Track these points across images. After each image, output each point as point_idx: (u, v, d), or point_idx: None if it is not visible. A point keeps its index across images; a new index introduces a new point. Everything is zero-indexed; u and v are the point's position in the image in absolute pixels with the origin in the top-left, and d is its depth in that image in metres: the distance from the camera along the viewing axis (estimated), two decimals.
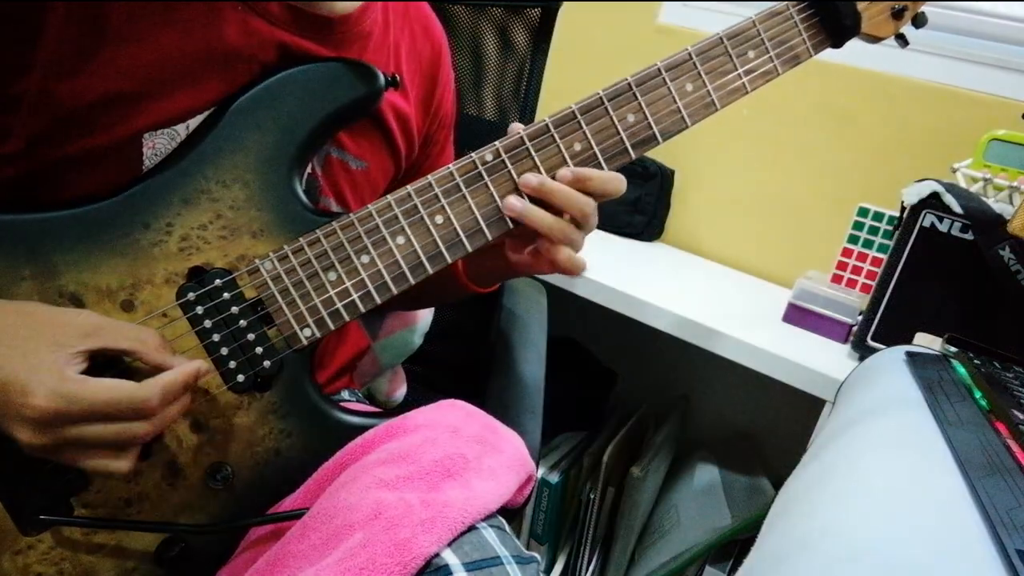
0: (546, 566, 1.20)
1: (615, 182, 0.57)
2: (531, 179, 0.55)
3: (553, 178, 0.56)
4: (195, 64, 0.51)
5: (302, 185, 0.56)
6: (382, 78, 0.55)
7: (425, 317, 0.90)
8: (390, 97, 0.63)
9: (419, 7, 0.68)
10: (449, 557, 0.44)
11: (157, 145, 0.52)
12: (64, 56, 0.47)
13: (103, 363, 0.47)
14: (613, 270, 1.08)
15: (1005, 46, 1.08)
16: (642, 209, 1.30)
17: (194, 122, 0.52)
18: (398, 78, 0.57)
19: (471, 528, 0.47)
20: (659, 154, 1.30)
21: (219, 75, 0.52)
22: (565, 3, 0.86)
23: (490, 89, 0.89)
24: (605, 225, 1.33)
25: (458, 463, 0.50)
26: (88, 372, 0.45)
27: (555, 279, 1.06)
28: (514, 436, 0.56)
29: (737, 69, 0.58)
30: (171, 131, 0.52)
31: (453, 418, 0.54)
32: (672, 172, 1.31)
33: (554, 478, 1.14)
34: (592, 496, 1.14)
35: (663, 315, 0.97)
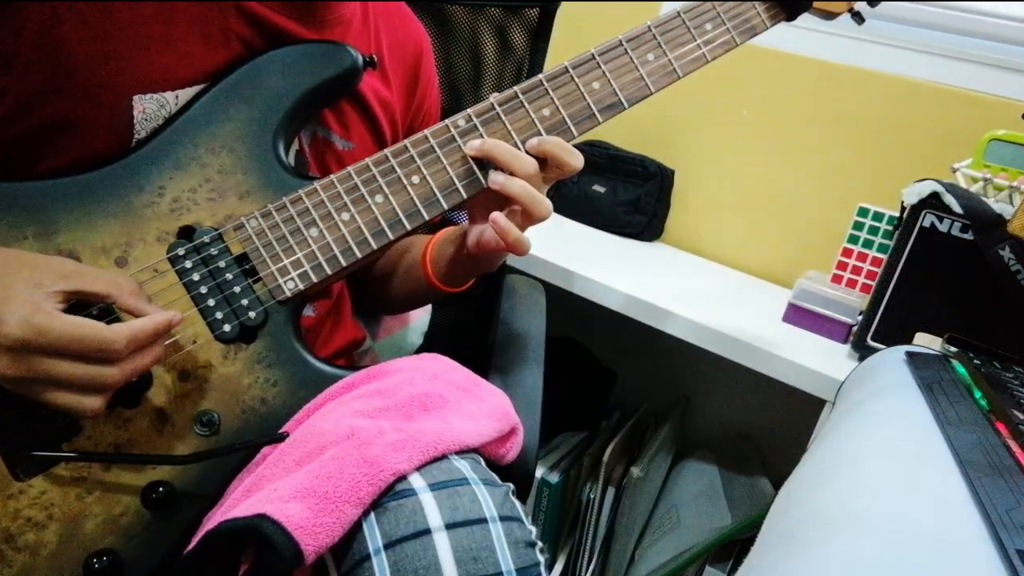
0: (546, 566, 1.20)
1: (574, 157, 0.59)
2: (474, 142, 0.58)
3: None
4: (174, 30, 0.54)
5: (288, 156, 0.60)
6: (360, 58, 0.59)
7: (423, 316, 0.90)
8: (373, 84, 0.66)
9: (400, 7, 0.72)
10: (415, 481, 0.45)
11: (147, 110, 0.54)
12: (54, 20, 0.50)
13: (79, 307, 0.48)
14: (613, 270, 1.08)
15: (1005, 46, 1.08)
16: (642, 209, 1.30)
17: (184, 94, 0.56)
18: (375, 59, 0.61)
19: (443, 457, 0.47)
20: (659, 154, 1.30)
21: (199, 43, 0.55)
22: (564, 3, 0.86)
23: (489, 89, 0.89)
24: (605, 225, 1.33)
25: (436, 401, 0.51)
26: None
27: (555, 279, 1.06)
28: (497, 391, 0.57)
29: (696, 40, 0.62)
30: (160, 97, 0.55)
31: (435, 366, 0.56)
32: (672, 172, 1.31)
33: (554, 478, 1.14)
34: (592, 496, 1.14)
35: (663, 315, 0.97)
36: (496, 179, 0.58)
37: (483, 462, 0.51)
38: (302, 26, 0.59)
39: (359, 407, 0.49)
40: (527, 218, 0.59)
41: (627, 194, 1.30)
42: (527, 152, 0.59)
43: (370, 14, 0.67)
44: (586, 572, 1.15)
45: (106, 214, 0.53)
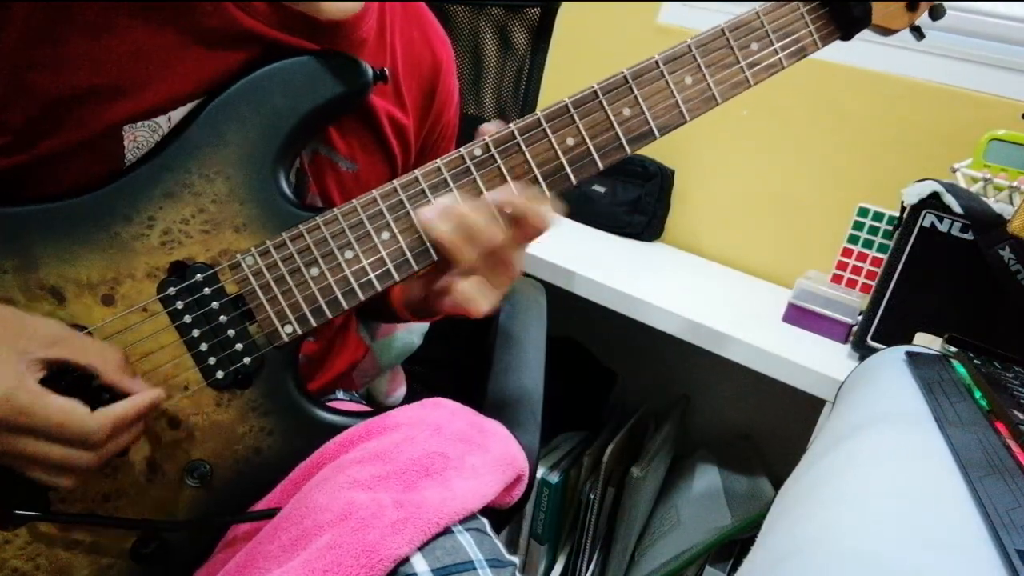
0: (546, 566, 1.20)
1: (541, 216, 0.52)
2: (436, 208, 0.52)
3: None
4: (173, 57, 0.50)
5: (289, 180, 0.55)
6: (370, 72, 0.54)
7: None
8: (385, 105, 0.62)
9: (420, 14, 0.67)
10: (418, 564, 0.43)
11: (139, 138, 0.51)
12: (34, 47, 0.47)
13: (61, 371, 0.46)
14: (613, 270, 1.08)
15: (1005, 46, 1.08)
16: (642, 209, 1.30)
17: (176, 115, 0.51)
18: (386, 72, 0.56)
19: (447, 531, 0.45)
20: (659, 154, 1.30)
21: (199, 69, 0.51)
22: (565, 3, 0.86)
23: (489, 89, 0.89)
24: (605, 225, 1.33)
25: (437, 462, 0.48)
26: (47, 380, 0.44)
27: (555, 279, 1.06)
28: (504, 435, 0.55)
29: (740, 62, 0.56)
30: (152, 123, 0.51)
31: (436, 416, 0.53)
32: (672, 172, 1.31)
33: (554, 478, 1.14)
34: (592, 496, 1.14)
35: (663, 315, 0.97)
36: (425, 214, 0.52)
37: (487, 526, 0.49)
38: (311, 46, 0.54)
39: (356, 475, 0.47)
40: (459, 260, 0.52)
41: (627, 194, 1.30)
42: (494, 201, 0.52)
43: (386, 27, 0.61)
44: (586, 572, 1.15)
45: (92, 246, 0.50)
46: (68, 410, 0.43)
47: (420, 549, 0.44)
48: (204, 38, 0.51)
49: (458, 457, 0.49)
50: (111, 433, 0.45)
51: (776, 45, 0.57)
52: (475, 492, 0.48)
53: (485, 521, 0.50)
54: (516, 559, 0.49)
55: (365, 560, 0.42)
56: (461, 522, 0.47)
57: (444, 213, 0.52)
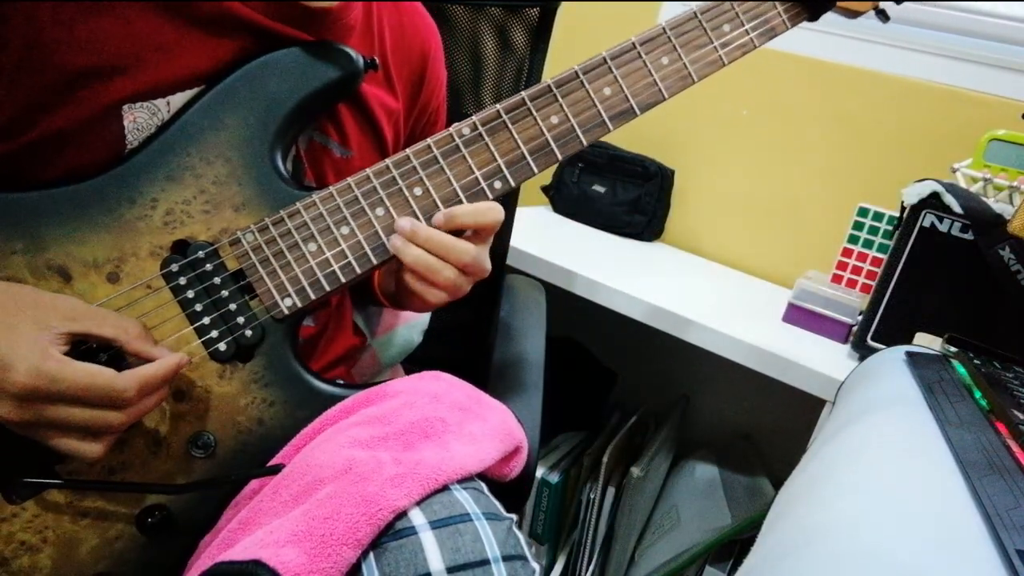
0: (546, 566, 1.20)
1: (490, 213, 0.56)
2: (405, 225, 0.55)
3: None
4: (171, 42, 0.52)
5: (286, 163, 0.58)
6: (361, 60, 0.57)
7: (424, 314, 0.90)
8: (376, 91, 0.64)
9: (408, 2, 0.69)
10: (416, 517, 0.44)
11: (138, 119, 0.53)
12: (38, 31, 0.49)
13: (86, 349, 0.48)
14: (613, 270, 1.08)
15: (1005, 46, 1.08)
16: (642, 209, 1.30)
17: (175, 100, 0.54)
18: (376, 60, 0.59)
19: (444, 488, 0.46)
20: (659, 154, 1.30)
21: (197, 56, 0.53)
22: (564, 3, 0.86)
23: (489, 89, 0.89)
24: (605, 225, 1.33)
25: (436, 426, 0.49)
26: (69, 354, 0.46)
27: (555, 279, 1.06)
28: (501, 408, 0.56)
29: (713, 43, 0.59)
30: (151, 105, 0.53)
31: (435, 386, 0.54)
32: (672, 172, 1.31)
33: (554, 478, 1.14)
34: (592, 496, 1.13)
35: (663, 315, 0.97)
36: (395, 243, 0.55)
37: (485, 488, 0.50)
38: (302, 34, 0.57)
39: (357, 435, 0.48)
40: (426, 282, 0.57)
41: (627, 194, 1.30)
42: (438, 225, 0.56)
43: (374, 15, 0.64)
44: (586, 572, 1.15)
45: (97, 227, 0.52)
46: (95, 372, 0.45)
47: (418, 504, 0.44)
48: (202, 26, 0.53)
49: (456, 423, 0.51)
50: (139, 391, 0.47)
51: (747, 26, 0.60)
52: (473, 456, 0.49)
53: (483, 484, 0.50)
54: (514, 516, 0.49)
55: (365, 508, 0.42)
56: (459, 482, 0.47)
57: (412, 235, 0.55)
